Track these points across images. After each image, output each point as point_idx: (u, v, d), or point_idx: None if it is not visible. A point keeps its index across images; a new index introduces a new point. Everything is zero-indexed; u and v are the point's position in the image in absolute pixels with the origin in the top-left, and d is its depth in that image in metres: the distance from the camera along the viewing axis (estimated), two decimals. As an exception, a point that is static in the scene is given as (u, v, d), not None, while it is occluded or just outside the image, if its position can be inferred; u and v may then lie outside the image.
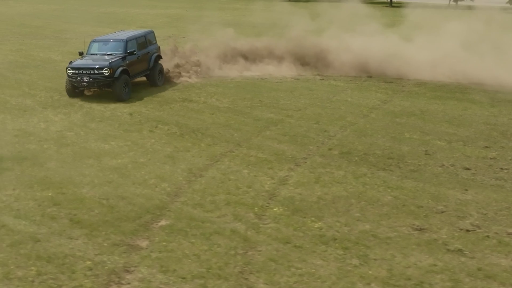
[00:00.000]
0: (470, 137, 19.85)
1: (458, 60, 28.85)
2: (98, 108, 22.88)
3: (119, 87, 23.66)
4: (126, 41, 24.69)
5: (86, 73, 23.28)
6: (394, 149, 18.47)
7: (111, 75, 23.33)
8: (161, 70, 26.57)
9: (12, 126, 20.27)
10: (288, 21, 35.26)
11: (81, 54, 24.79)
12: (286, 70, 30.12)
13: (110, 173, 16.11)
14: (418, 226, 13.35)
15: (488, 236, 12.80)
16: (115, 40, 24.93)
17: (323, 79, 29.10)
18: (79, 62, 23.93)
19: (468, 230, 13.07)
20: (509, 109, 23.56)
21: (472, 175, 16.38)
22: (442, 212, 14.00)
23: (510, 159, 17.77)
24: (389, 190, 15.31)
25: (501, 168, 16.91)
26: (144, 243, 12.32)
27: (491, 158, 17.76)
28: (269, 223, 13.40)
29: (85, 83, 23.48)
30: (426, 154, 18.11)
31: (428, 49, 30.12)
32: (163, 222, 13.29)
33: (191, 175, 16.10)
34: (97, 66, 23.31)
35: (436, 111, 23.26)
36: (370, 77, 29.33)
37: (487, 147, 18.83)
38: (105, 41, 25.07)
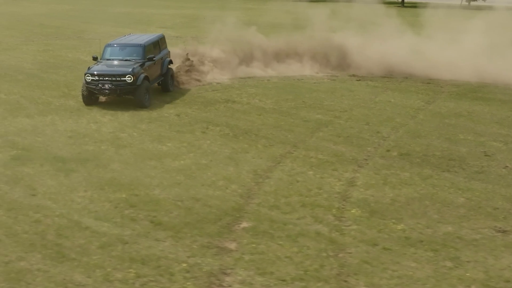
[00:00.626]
0: (525, 138, 19.83)
1: (481, 60, 28.87)
2: (143, 109, 22.75)
3: (142, 94, 22.55)
4: (144, 46, 23.57)
5: (107, 80, 22.14)
6: (453, 151, 18.47)
7: (134, 82, 22.18)
8: (172, 75, 25.82)
9: (63, 127, 20.21)
10: (307, 21, 35.15)
11: (95, 59, 23.57)
12: (309, 69, 30.07)
13: (176, 175, 16.05)
14: (500, 228, 13.34)
15: None
16: (133, 45, 23.77)
17: (359, 80, 29.11)
18: (99, 68, 22.58)
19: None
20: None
21: (538, 176, 16.37)
22: (520, 213, 13.98)
23: None
24: (460, 192, 15.30)
25: None
26: (232, 245, 12.28)
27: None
28: (351, 225, 13.37)
29: (106, 91, 22.29)
30: (485, 155, 18.14)
31: (451, 49, 30.12)
32: (244, 224, 13.24)
33: (257, 177, 16.05)
34: (120, 73, 22.19)
35: (483, 112, 23.31)
36: (406, 78, 29.27)
37: (544, 147, 18.82)
38: (122, 46, 23.82)
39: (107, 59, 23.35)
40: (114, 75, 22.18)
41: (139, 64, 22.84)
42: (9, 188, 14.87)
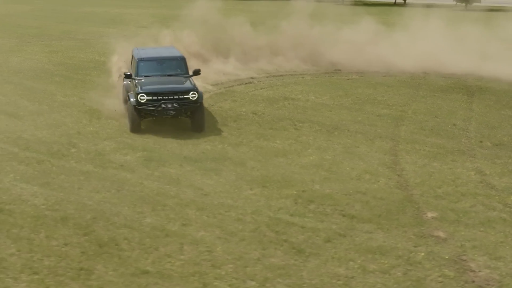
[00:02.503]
0: None
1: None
2: (214, 109, 22.62)
3: (203, 113, 19.57)
4: (185, 59, 20.50)
5: (170, 99, 18.68)
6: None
7: (197, 100, 18.92)
8: None
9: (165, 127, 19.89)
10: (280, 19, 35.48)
11: (129, 76, 19.76)
12: (293, 66, 30.87)
13: (317, 170, 16.28)
14: None
15: None
16: (172, 58, 20.55)
17: (385, 76, 29.90)
18: (153, 85, 18.96)
19: None
20: None
21: None
22: None
23: None
24: None
25: None
26: (441, 233, 12.66)
27: None
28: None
29: (171, 111, 18.64)
30: None
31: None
32: (430, 214, 13.65)
33: (392, 170, 16.48)
34: (183, 89, 18.99)
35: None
36: (425, 73, 30.41)
37: None
38: (159, 60, 20.39)
39: (147, 75, 19.67)
40: (176, 92, 18.80)
41: (190, 79, 19.90)
42: (177, 189, 14.62)
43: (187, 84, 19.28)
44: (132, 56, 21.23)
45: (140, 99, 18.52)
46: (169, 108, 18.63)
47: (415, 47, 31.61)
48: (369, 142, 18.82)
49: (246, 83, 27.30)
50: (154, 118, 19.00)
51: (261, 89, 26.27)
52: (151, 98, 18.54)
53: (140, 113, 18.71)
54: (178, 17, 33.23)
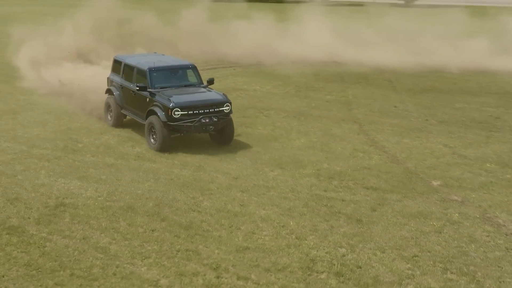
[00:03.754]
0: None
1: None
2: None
3: (233, 125, 17.82)
4: (196, 67, 18.61)
5: (206, 113, 16.79)
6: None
7: (230, 112, 17.33)
8: None
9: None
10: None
11: (143, 88, 17.31)
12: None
13: (312, 151, 17.67)
14: None
15: None
16: (185, 67, 18.46)
17: (305, 66, 31.65)
18: (185, 98, 16.85)
19: None
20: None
21: None
22: None
23: None
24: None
25: None
26: (458, 198, 14.56)
27: None
28: None
29: (211, 126, 16.76)
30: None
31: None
32: (437, 182, 15.52)
33: (377, 147, 18.23)
34: (218, 101, 17.13)
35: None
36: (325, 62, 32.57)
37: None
38: (172, 69, 18.21)
39: (163, 87, 17.49)
40: (211, 105, 16.97)
41: (213, 89, 18.17)
42: (207, 174, 15.39)
43: (219, 96, 17.35)
44: (124, 65, 18.72)
45: (175, 114, 16.38)
46: (208, 122, 16.67)
47: (312, 40, 33.75)
48: (337, 125, 20.39)
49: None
50: (182, 134, 17.19)
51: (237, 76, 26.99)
52: (185, 112, 16.46)
53: (170, 130, 16.64)
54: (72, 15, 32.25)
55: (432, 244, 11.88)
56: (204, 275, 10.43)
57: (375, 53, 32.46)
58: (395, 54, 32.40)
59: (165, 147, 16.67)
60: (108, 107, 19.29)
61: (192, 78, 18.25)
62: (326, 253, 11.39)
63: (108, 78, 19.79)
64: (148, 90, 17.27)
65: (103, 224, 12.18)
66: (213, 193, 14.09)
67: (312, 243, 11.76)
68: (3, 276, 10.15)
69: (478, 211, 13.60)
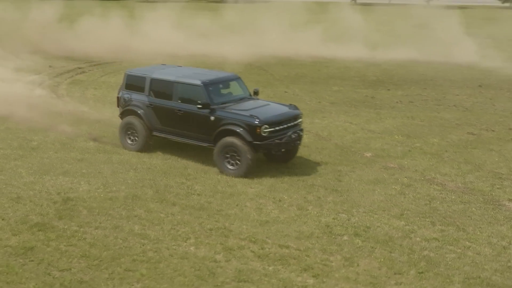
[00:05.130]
0: None
1: None
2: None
3: None
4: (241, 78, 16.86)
5: (290, 127, 15.43)
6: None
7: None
8: None
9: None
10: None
11: (206, 106, 15.07)
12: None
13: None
14: None
15: None
16: (233, 78, 16.59)
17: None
18: (268, 113, 15.09)
19: None
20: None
21: None
22: None
23: None
24: None
25: None
26: (395, 166, 16.88)
27: None
28: None
29: (298, 142, 15.65)
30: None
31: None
32: (368, 154, 17.72)
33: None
34: (295, 114, 15.78)
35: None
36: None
37: None
38: (223, 82, 16.18)
39: (224, 102, 15.51)
40: (292, 119, 15.59)
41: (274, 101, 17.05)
42: (192, 161, 16.11)
43: (295, 108, 16.09)
44: (153, 81, 16.14)
45: (264, 132, 14.55)
46: (296, 138, 15.36)
47: (161, 35, 34.73)
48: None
49: (83, 72, 27.34)
50: (264, 152, 15.58)
51: (106, 75, 26.80)
52: (273, 129, 14.80)
53: (256, 151, 14.76)
54: None
55: (405, 204, 13.75)
56: (249, 247, 11.29)
57: (221, 45, 34.02)
58: (239, 46, 34.13)
59: (252, 170, 14.72)
60: (128, 130, 16.36)
61: (241, 90, 16.30)
62: (333, 219, 12.77)
63: (119, 97, 16.66)
64: (210, 107, 14.96)
65: (123, 213, 12.43)
66: (195, 177, 14.77)
67: (315, 212, 13.06)
68: (70, 269, 10.21)
69: (418, 175, 15.77)
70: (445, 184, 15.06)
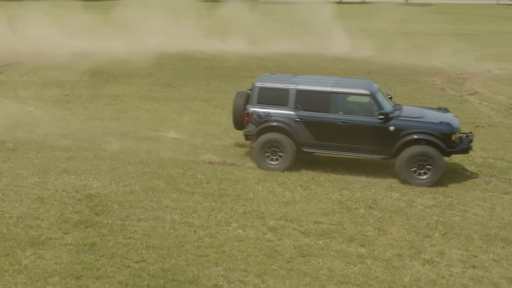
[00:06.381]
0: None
1: None
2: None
3: None
4: None
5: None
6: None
7: None
8: None
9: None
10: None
11: (387, 117, 14.27)
12: None
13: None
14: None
15: None
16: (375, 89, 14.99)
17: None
18: (445, 119, 14.70)
19: None
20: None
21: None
22: None
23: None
24: None
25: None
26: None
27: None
28: None
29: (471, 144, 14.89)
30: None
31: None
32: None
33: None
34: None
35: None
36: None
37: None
38: (378, 89, 15.11)
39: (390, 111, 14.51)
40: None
41: None
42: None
43: (447, 111, 15.94)
44: (300, 92, 14.64)
45: (457, 138, 14.34)
46: (469, 140, 14.85)
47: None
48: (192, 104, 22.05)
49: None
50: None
51: (25, 75, 25.57)
52: (459, 135, 14.65)
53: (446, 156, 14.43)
54: None
55: (390, 178, 14.91)
56: (289, 226, 11.86)
57: (106, 42, 33.74)
58: (126, 43, 34.02)
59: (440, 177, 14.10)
60: (269, 148, 14.76)
61: (384, 96, 15.29)
62: (340, 195, 13.67)
63: (251, 112, 14.88)
64: (389, 117, 14.10)
65: (153, 205, 12.41)
66: (190, 167, 14.95)
67: (320, 191, 13.85)
68: (145, 260, 10.20)
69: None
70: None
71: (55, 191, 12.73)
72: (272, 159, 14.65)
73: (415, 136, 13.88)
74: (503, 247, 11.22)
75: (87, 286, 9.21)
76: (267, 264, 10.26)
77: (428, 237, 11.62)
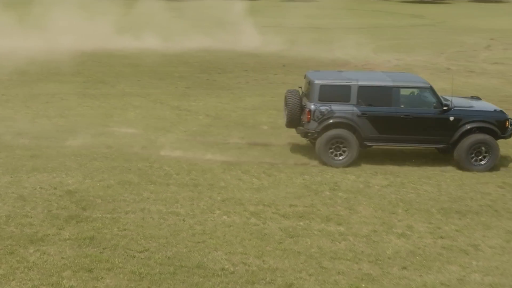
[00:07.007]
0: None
1: None
2: None
3: None
4: None
5: None
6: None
7: None
8: None
9: None
10: None
11: (448, 108, 15.05)
12: None
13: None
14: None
15: None
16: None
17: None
18: (489, 105, 15.87)
19: None
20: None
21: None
22: None
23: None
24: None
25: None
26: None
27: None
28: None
29: None
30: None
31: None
32: (264, 127, 19.68)
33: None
34: None
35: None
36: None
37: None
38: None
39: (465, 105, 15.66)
40: None
41: None
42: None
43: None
44: (362, 88, 14.99)
45: (511, 124, 14.99)
46: None
47: None
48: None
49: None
50: None
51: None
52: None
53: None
54: None
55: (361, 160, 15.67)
56: (268, 210, 12.35)
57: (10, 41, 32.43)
58: (35, 42, 32.96)
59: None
60: (333, 144, 15.00)
61: None
62: (303, 180, 14.14)
63: (313, 110, 14.98)
64: (450, 108, 14.85)
65: (135, 198, 12.44)
66: (155, 160, 15.01)
67: (283, 176, 14.27)
68: (147, 249, 10.37)
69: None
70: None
71: (33, 189, 12.52)
72: (336, 155, 14.91)
73: (474, 125, 14.66)
74: (459, 219, 12.34)
75: (102, 277, 9.29)
76: (261, 246, 10.75)
77: (394, 213, 12.56)
